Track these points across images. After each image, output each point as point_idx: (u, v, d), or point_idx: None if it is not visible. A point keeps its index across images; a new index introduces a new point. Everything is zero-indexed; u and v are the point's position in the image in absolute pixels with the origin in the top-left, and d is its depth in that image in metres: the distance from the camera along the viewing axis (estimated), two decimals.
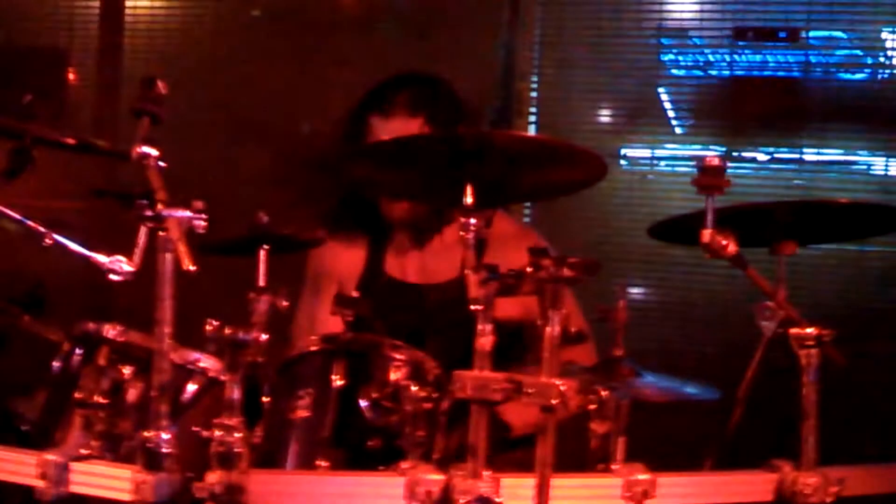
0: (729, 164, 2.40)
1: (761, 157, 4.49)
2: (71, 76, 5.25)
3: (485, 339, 2.18)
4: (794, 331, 2.53)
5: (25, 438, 2.56)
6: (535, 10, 4.73)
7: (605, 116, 4.72)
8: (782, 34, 4.46)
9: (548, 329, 2.18)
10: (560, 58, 4.71)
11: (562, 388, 2.11)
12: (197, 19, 5.09)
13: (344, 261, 3.34)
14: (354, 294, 2.79)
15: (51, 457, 2.19)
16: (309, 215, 3.38)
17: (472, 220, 2.35)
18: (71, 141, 2.74)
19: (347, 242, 3.36)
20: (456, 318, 2.26)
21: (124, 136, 2.45)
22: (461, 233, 2.36)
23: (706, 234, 2.40)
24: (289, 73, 4.76)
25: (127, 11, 5.14)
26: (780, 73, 4.50)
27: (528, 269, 2.22)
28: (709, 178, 2.38)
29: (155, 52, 5.06)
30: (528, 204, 4.30)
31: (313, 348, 2.52)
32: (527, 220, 4.40)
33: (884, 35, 4.38)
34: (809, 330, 2.52)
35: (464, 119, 3.27)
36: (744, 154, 4.50)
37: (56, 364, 2.62)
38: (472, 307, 2.18)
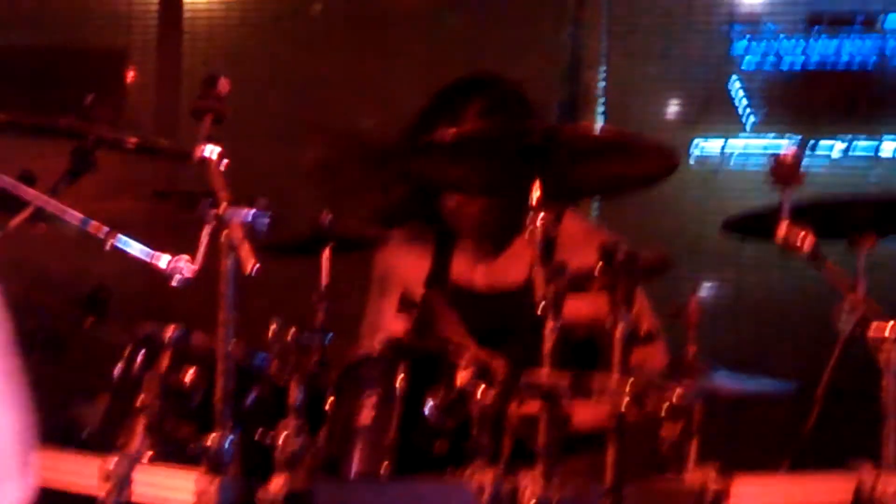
0: (803, 160, 2.38)
1: (837, 149, 4.44)
2: (130, 75, 5.28)
3: (552, 339, 2.18)
4: (873, 328, 2.50)
5: (86, 444, 2.59)
6: (602, 1, 4.71)
7: (674, 108, 4.69)
8: (859, 20, 4.41)
9: (618, 328, 2.17)
10: (629, 48, 4.68)
11: (632, 388, 2.11)
12: (257, 15, 5.11)
13: (409, 264, 3.32)
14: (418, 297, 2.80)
15: (113, 462, 2.22)
16: (372, 214, 3.37)
17: (540, 216, 2.34)
18: (133, 141, 2.77)
19: (413, 244, 3.35)
20: (523, 323, 2.25)
21: (185, 136, 2.47)
22: (529, 228, 2.36)
23: (782, 229, 2.38)
24: (350, 67, 4.77)
25: (185, 8, 5.17)
26: (857, 62, 4.44)
27: (599, 267, 2.21)
28: (784, 171, 2.36)
29: (215, 50, 5.08)
30: (595, 201, 4.28)
31: (377, 351, 2.52)
32: (594, 217, 4.38)
33: None
34: (889, 327, 2.49)
35: (530, 114, 3.27)
36: (818, 147, 4.44)
37: (118, 368, 2.64)
38: (540, 306, 2.17)
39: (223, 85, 2.35)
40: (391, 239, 3.30)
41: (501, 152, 2.42)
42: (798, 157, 2.37)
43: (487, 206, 3.14)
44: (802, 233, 2.39)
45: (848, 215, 2.61)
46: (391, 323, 3.17)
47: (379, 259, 3.36)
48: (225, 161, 2.30)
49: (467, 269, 3.28)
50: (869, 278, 2.58)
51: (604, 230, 3.37)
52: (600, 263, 2.24)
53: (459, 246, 3.31)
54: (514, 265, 3.20)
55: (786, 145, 2.46)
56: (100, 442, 2.53)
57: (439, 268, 3.29)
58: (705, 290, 4.38)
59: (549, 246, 2.32)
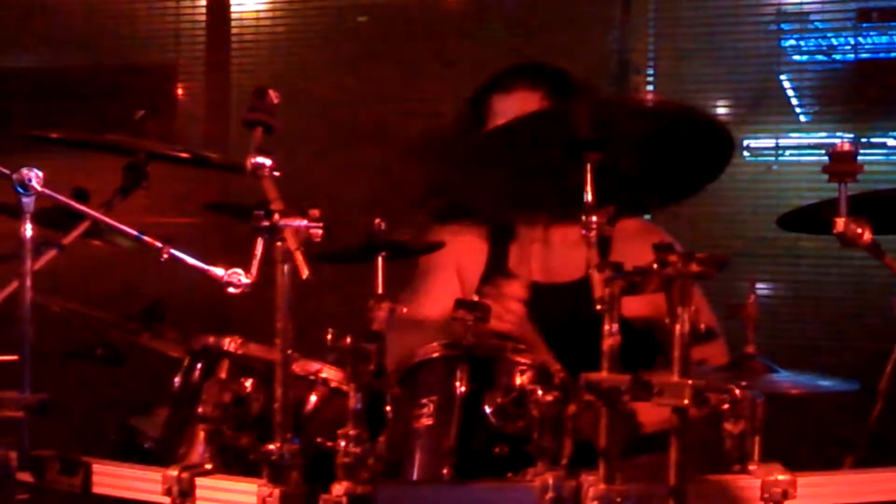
0: (859, 153, 2.37)
1: (891, 142, 4.41)
2: (180, 91, 5.32)
3: (611, 340, 2.17)
4: None
5: (148, 456, 2.60)
6: (648, 2, 4.70)
7: (725, 107, 4.68)
8: None
9: (677, 327, 2.16)
10: (676, 49, 4.68)
11: (694, 387, 2.10)
12: (303, 27, 5.14)
13: (467, 253, 3.34)
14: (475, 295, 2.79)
15: (175, 472, 2.22)
16: (425, 217, 3.38)
17: (594, 218, 2.34)
18: (185, 155, 2.79)
19: (469, 234, 3.36)
20: (581, 320, 2.24)
21: (235, 149, 2.48)
22: (583, 231, 2.36)
23: (840, 223, 2.36)
24: (397, 77, 4.79)
25: (233, 23, 5.20)
26: None
27: (655, 266, 2.20)
28: (840, 164, 2.34)
29: (263, 63, 5.12)
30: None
31: (435, 354, 2.51)
32: (647, 216, 4.37)
33: None
34: None
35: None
36: (872, 140, 4.42)
37: (177, 379, 2.66)
38: (598, 307, 2.16)
39: (273, 97, 2.35)
40: (445, 233, 3.29)
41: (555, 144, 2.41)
42: (854, 150, 2.35)
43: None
44: (860, 226, 2.37)
45: None
46: (434, 301, 3.20)
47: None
48: (277, 172, 2.31)
49: (525, 263, 3.29)
50: None
51: (657, 227, 3.36)
52: (656, 262, 2.23)
53: (516, 240, 3.32)
54: (571, 260, 3.20)
55: (839, 140, 2.44)
56: (161, 453, 2.55)
57: (496, 261, 3.30)
58: (762, 288, 4.35)
59: (603, 246, 2.32)
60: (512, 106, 3.20)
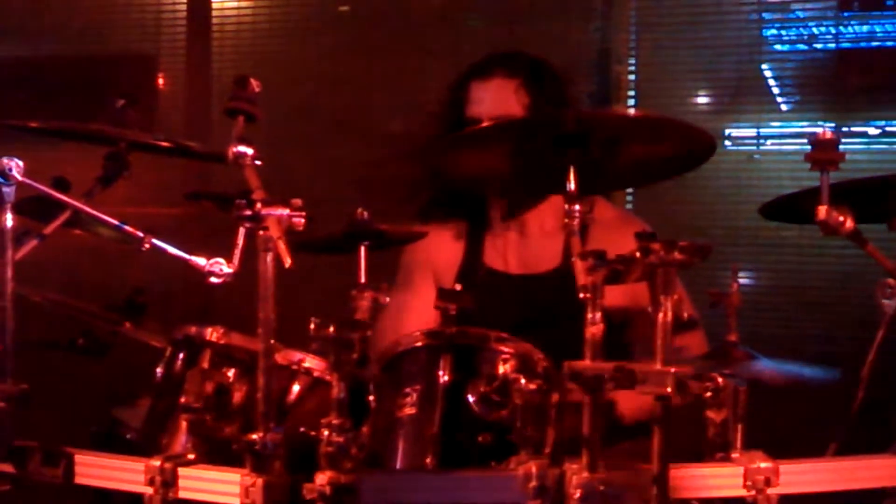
0: (840, 142, 2.37)
1: (872, 131, 4.42)
2: (161, 82, 5.31)
3: (594, 328, 2.17)
4: None
5: (130, 446, 2.60)
6: None
7: (706, 97, 4.69)
8: (890, 2, 4.40)
9: (660, 315, 2.16)
10: (657, 39, 4.69)
11: (676, 375, 2.10)
12: (284, 17, 5.14)
13: (441, 251, 3.37)
14: (455, 286, 2.80)
15: (157, 462, 2.22)
16: (407, 209, 3.39)
17: (577, 207, 2.34)
18: (166, 144, 2.78)
19: (444, 232, 3.39)
20: (560, 309, 2.25)
21: (216, 140, 2.47)
22: (566, 220, 2.36)
23: (822, 211, 2.36)
24: (378, 67, 4.80)
25: (213, 14, 5.19)
26: (889, 44, 4.43)
27: (637, 255, 2.20)
28: (822, 152, 2.34)
29: (244, 53, 5.12)
30: (629, 190, 4.27)
31: (418, 343, 2.51)
32: (629, 206, 4.38)
33: None
34: None
35: (561, 88, 3.30)
36: (854, 129, 4.43)
37: (159, 370, 2.65)
38: (581, 295, 2.17)
39: (254, 86, 2.35)
40: (430, 227, 3.31)
41: (536, 140, 2.41)
42: (835, 138, 2.35)
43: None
44: (842, 214, 2.38)
45: (887, 195, 2.60)
46: (418, 312, 3.19)
47: (408, 250, 3.37)
48: (258, 161, 2.30)
49: (500, 255, 3.30)
50: None
51: (634, 217, 3.37)
52: (638, 251, 2.23)
53: (491, 233, 3.33)
54: (547, 250, 3.21)
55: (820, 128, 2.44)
56: (144, 443, 2.54)
57: (473, 253, 3.32)
58: (744, 277, 4.36)
59: (581, 235, 2.32)
60: (489, 93, 3.24)
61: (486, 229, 3.36)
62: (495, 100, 3.22)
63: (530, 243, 3.30)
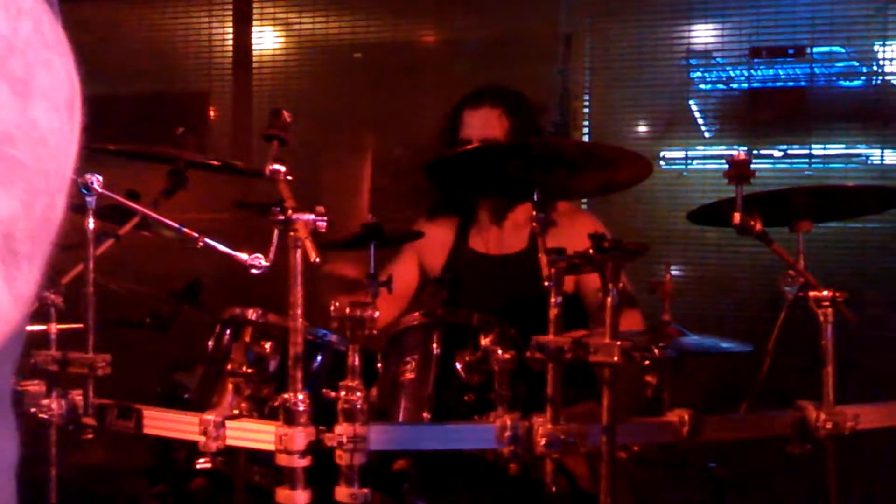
0: (751, 161, 2.37)
1: (777, 153, 4.43)
2: (212, 114, 5.31)
3: (556, 309, 2.17)
4: (812, 294, 2.49)
5: (188, 405, 2.60)
6: (584, 42, 4.69)
7: (645, 126, 4.67)
8: (791, 51, 4.40)
9: (608, 300, 2.16)
10: (607, 80, 4.68)
11: (622, 347, 2.10)
12: (311, 61, 5.12)
13: (433, 239, 3.35)
14: (445, 267, 2.80)
15: (209, 417, 2.22)
16: (411, 213, 3.40)
17: (541, 214, 2.34)
18: (216, 163, 2.78)
19: (441, 225, 3.41)
20: (525, 280, 2.25)
21: (257, 161, 2.46)
22: (533, 224, 2.35)
23: (737, 217, 2.37)
24: (385, 102, 4.79)
25: (254, 58, 5.19)
26: (790, 84, 4.43)
27: (591, 251, 2.20)
28: (737, 169, 2.34)
29: (278, 91, 5.11)
30: (584, 200, 4.28)
31: (415, 322, 2.51)
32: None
33: (876, 48, 4.30)
34: (825, 292, 2.48)
35: (534, 117, 3.32)
36: (762, 152, 4.43)
37: (210, 343, 2.65)
38: (545, 283, 2.17)
39: (286, 116, 2.35)
40: (419, 224, 3.36)
41: (510, 163, 2.41)
42: (747, 159, 2.36)
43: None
44: (753, 219, 2.38)
45: (788, 204, 2.60)
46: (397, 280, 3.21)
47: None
48: (290, 177, 2.30)
49: (482, 241, 3.32)
50: (807, 255, 2.58)
51: (586, 212, 3.38)
52: (591, 248, 2.23)
53: (476, 226, 3.35)
54: (517, 237, 3.23)
55: (737, 151, 2.45)
56: (198, 402, 2.54)
57: (461, 240, 3.35)
58: (675, 269, 4.36)
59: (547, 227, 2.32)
60: (478, 119, 3.24)
61: (472, 223, 3.38)
62: (483, 124, 3.22)
63: (505, 232, 3.31)
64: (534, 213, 2.35)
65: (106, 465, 3.44)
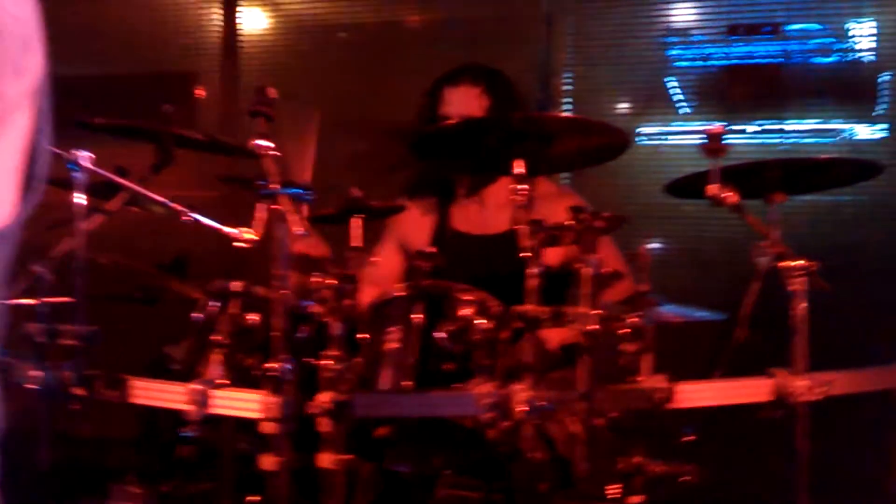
0: (727, 136, 2.38)
1: (752, 128, 4.43)
2: (200, 93, 5.29)
3: (534, 280, 2.18)
4: (785, 263, 2.50)
5: (176, 376, 2.59)
6: (566, 21, 4.69)
7: (625, 103, 4.67)
8: (766, 28, 4.41)
9: (585, 270, 2.17)
10: (587, 58, 4.67)
11: (597, 316, 2.11)
12: (297, 41, 5.11)
13: (416, 221, 3.37)
14: (429, 247, 2.80)
15: (196, 386, 2.22)
16: (393, 189, 3.40)
17: (521, 187, 2.34)
18: (202, 138, 2.76)
19: (421, 206, 3.40)
20: (508, 261, 2.25)
21: (243, 140, 2.45)
22: (511, 197, 2.35)
23: (712, 188, 2.37)
24: (370, 81, 4.78)
25: (242, 38, 5.18)
26: (766, 61, 4.44)
27: (568, 223, 2.21)
28: (713, 143, 2.36)
29: (265, 71, 5.09)
30: (565, 175, 4.28)
31: (398, 294, 2.52)
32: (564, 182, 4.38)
33: (849, 25, 4.31)
34: (798, 262, 2.49)
35: (514, 94, 3.29)
36: (738, 127, 4.44)
37: (197, 315, 2.65)
38: (523, 254, 2.17)
39: (271, 93, 2.34)
40: (412, 202, 3.37)
41: (493, 134, 2.41)
42: (722, 133, 2.36)
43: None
44: (728, 191, 2.39)
45: (762, 177, 2.60)
46: (383, 265, 3.24)
47: (388, 223, 3.42)
48: (275, 152, 2.30)
49: (464, 221, 3.31)
50: (781, 227, 2.58)
51: (570, 190, 3.38)
52: (569, 220, 2.23)
53: (457, 205, 3.34)
54: (499, 216, 3.22)
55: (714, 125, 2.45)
56: (186, 373, 2.54)
57: (442, 221, 3.33)
58: (653, 241, 4.37)
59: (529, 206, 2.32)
60: (457, 96, 3.23)
61: (452, 202, 3.36)
62: (462, 101, 3.21)
63: (487, 212, 3.30)
64: (514, 187, 2.35)
65: (94, 435, 3.45)
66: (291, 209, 2.16)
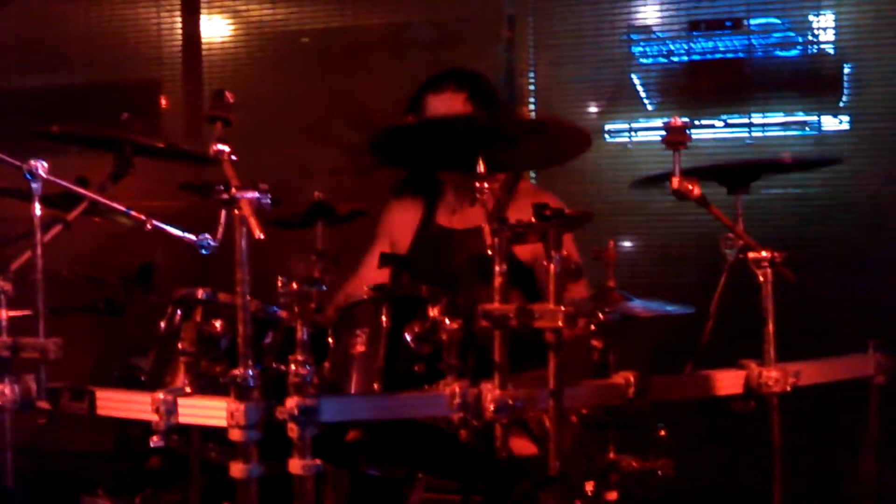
0: (693, 132, 2.38)
1: (718, 123, 4.45)
2: (163, 102, 5.26)
3: (500, 277, 2.16)
4: (751, 255, 2.51)
5: (145, 387, 2.56)
6: (528, 22, 4.69)
7: (590, 101, 4.66)
8: (728, 23, 4.42)
9: (552, 266, 2.16)
10: (551, 57, 4.67)
11: (566, 313, 2.10)
12: (260, 47, 5.09)
13: (402, 219, 3.42)
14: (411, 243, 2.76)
15: (161, 395, 2.19)
16: (360, 193, 3.40)
17: (486, 184, 2.32)
18: (161, 145, 2.73)
19: (407, 204, 3.45)
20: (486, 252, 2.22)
21: (207, 149, 2.43)
22: (477, 196, 2.33)
23: (675, 181, 2.37)
24: (334, 85, 4.77)
25: (203, 47, 5.16)
26: (729, 55, 4.45)
27: (533, 220, 2.20)
28: (674, 135, 2.35)
29: (228, 77, 5.06)
30: (532, 175, 4.27)
31: (365, 297, 2.50)
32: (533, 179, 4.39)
33: (810, 18, 4.34)
34: (764, 253, 2.49)
35: (496, 97, 3.33)
36: (704, 122, 4.45)
37: (162, 323, 2.62)
38: (489, 252, 2.16)
39: (229, 97, 2.32)
40: (390, 208, 3.44)
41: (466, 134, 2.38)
42: (684, 125, 2.36)
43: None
44: (690, 183, 2.39)
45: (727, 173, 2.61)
46: (371, 269, 3.21)
47: (379, 223, 3.47)
48: (234, 157, 2.27)
49: (447, 216, 3.34)
50: (748, 221, 2.59)
51: (549, 193, 3.37)
52: (534, 218, 2.22)
53: (442, 202, 3.35)
54: (479, 211, 3.21)
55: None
56: (153, 383, 2.51)
57: (428, 217, 3.39)
58: (620, 238, 4.37)
59: (497, 206, 2.30)
60: (442, 103, 3.22)
61: (438, 200, 3.37)
62: (447, 108, 3.19)
63: (468, 207, 3.29)
64: (483, 185, 2.33)
65: (63, 448, 3.41)
66: (251, 212, 2.12)
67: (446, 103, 3.20)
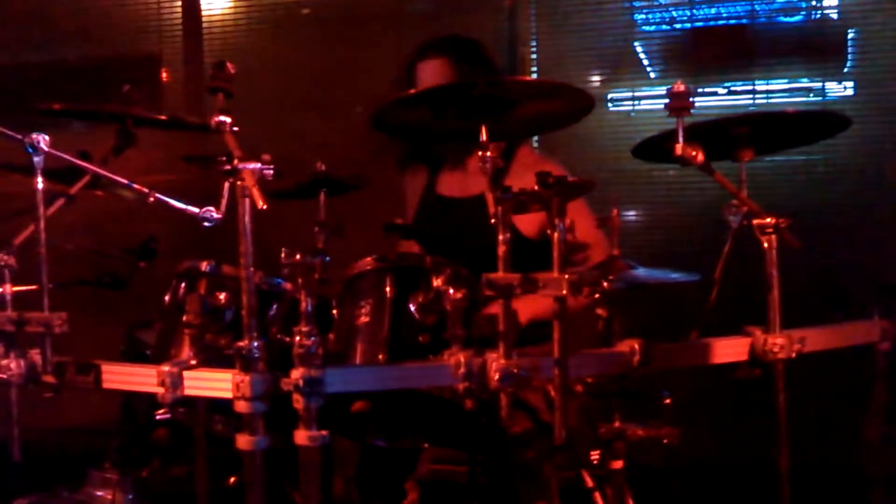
0: (696, 99, 2.35)
1: (721, 91, 4.43)
2: (164, 76, 5.25)
3: (504, 246, 2.15)
4: (756, 221, 2.49)
5: (150, 360, 2.56)
6: None
7: (592, 69, 4.65)
8: None
9: (555, 234, 2.14)
10: (553, 25, 4.66)
11: (570, 280, 2.09)
12: (260, 18, 5.08)
13: (412, 189, 3.49)
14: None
15: (166, 368, 2.19)
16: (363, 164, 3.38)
17: (488, 152, 2.30)
18: (163, 118, 2.72)
19: (413, 175, 3.51)
20: (485, 220, 2.21)
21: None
22: (479, 164, 2.32)
23: (678, 148, 2.35)
24: (335, 56, 4.76)
25: (204, 17, 5.15)
26: (732, 22, 4.43)
27: (536, 188, 2.18)
28: (677, 101, 2.33)
29: (229, 48, 5.05)
30: (535, 143, 4.26)
31: (368, 267, 2.49)
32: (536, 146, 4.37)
33: None
34: (769, 219, 2.47)
35: (485, 60, 3.31)
36: (707, 89, 4.43)
37: (166, 297, 2.62)
38: (492, 221, 2.15)
39: (230, 68, 2.30)
40: (407, 176, 3.51)
41: (462, 101, 2.37)
42: (687, 90, 2.34)
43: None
44: (694, 149, 2.37)
45: (729, 135, 2.58)
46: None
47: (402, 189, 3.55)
48: (235, 128, 2.26)
49: (448, 185, 3.37)
50: (753, 188, 2.57)
51: (551, 159, 3.36)
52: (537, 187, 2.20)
53: (443, 172, 3.40)
54: (478, 180, 3.20)
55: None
56: (157, 356, 2.51)
57: (430, 187, 3.44)
58: (623, 207, 4.37)
59: (498, 174, 2.28)
60: (428, 71, 3.25)
61: (440, 170, 3.42)
62: (432, 75, 3.23)
63: (470, 175, 3.30)
64: (484, 154, 2.31)
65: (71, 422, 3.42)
66: (254, 183, 2.11)
67: (431, 70, 3.24)
